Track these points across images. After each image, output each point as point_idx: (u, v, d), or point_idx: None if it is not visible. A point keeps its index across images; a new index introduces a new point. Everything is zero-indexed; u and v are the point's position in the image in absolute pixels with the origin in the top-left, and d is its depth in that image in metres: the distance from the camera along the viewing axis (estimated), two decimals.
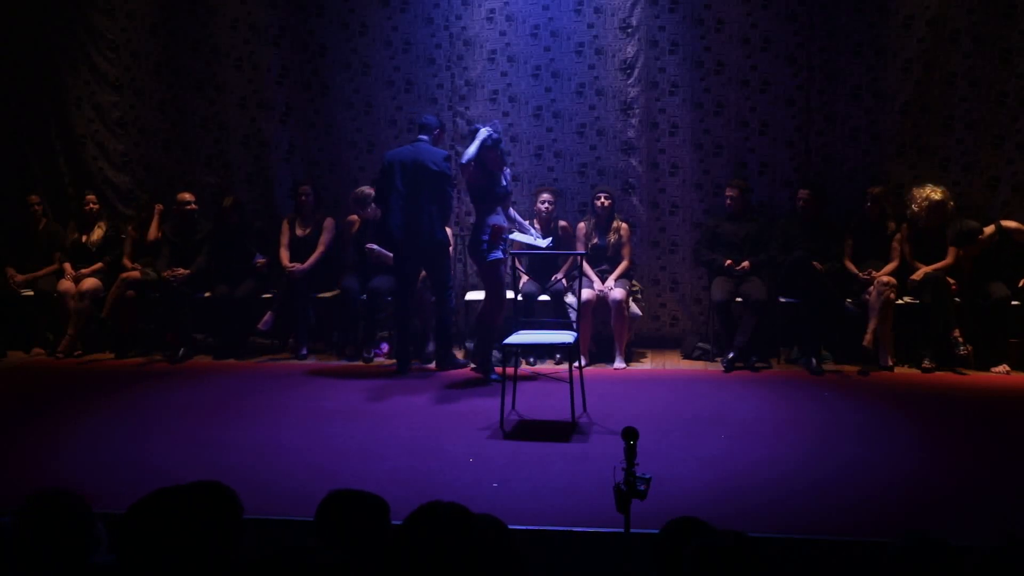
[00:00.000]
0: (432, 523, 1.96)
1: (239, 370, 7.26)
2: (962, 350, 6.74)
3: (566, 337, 5.79)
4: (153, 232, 8.08)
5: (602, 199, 7.48)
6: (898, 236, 7.23)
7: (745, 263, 7.22)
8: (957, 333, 6.77)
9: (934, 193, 7.05)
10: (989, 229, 7.06)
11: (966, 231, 6.94)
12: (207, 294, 7.74)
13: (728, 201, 7.46)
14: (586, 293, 7.13)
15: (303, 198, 7.83)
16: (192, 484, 2.30)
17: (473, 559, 1.92)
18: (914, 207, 7.10)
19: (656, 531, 2.64)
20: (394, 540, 1.97)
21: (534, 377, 6.69)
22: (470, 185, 6.75)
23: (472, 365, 6.92)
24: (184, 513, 2.17)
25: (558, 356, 7.30)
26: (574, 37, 7.83)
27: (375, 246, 7.50)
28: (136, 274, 7.81)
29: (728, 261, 7.25)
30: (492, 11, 7.88)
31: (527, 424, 5.67)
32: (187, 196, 7.89)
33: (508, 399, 5.69)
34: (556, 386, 6.01)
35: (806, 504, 4.35)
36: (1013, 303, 6.93)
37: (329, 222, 7.86)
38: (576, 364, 5.80)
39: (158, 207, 8.14)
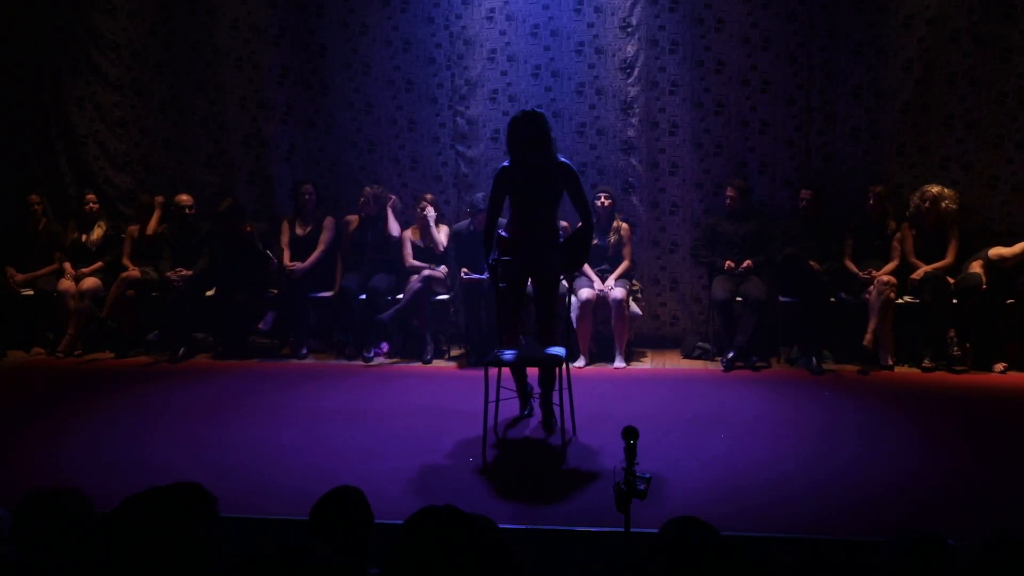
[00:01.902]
0: (429, 527, 1.96)
1: (239, 370, 7.26)
2: (956, 350, 6.78)
3: (555, 351, 5.28)
4: (153, 226, 8.06)
5: (602, 199, 7.47)
6: (898, 236, 7.23)
7: (747, 262, 7.22)
8: (952, 333, 6.80)
9: (932, 188, 7.11)
10: (976, 265, 6.93)
11: (967, 288, 6.85)
12: (208, 294, 7.74)
13: (728, 200, 7.46)
14: (586, 293, 7.14)
15: (305, 197, 7.83)
16: (168, 486, 2.27)
17: (472, 561, 1.92)
18: (918, 204, 7.11)
19: (656, 531, 2.64)
20: (392, 547, 1.96)
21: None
22: None
23: None
24: (159, 515, 2.15)
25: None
26: (574, 36, 7.83)
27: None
28: (136, 274, 7.81)
29: (729, 263, 7.24)
30: (492, 10, 7.87)
31: (527, 424, 5.67)
32: (184, 199, 7.89)
33: (507, 399, 5.69)
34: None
35: (806, 504, 4.35)
36: (1009, 301, 6.91)
37: (329, 221, 7.86)
38: (576, 364, 5.78)
39: (158, 199, 8.14)
